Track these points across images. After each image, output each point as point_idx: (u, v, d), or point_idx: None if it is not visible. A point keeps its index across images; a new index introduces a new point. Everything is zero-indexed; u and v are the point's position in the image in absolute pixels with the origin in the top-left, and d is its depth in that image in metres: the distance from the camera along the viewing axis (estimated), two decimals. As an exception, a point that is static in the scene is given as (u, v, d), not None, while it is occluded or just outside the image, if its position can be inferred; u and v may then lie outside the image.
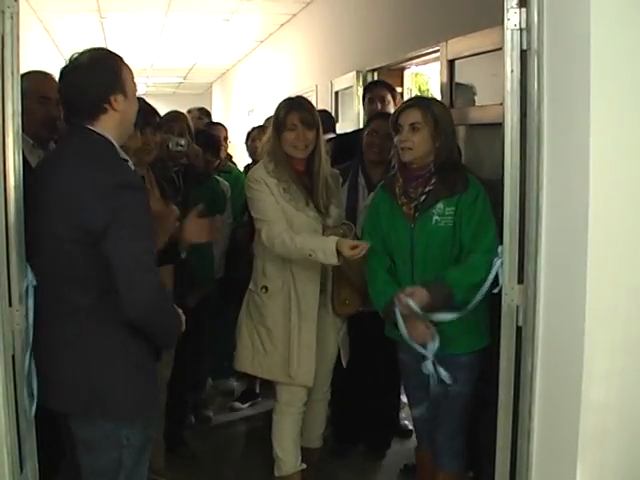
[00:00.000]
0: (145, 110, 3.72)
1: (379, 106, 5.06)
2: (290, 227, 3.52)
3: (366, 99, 5.21)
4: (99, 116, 2.49)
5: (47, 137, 3.41)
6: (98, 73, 2.48)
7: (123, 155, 2.56)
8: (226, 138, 6.04)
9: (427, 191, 3.24)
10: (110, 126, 2.52)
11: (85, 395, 2.46)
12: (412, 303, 3.04)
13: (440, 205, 3.20)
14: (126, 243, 2.35)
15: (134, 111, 2.64)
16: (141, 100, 3.78)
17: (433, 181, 3.24)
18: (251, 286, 3.76)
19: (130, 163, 2.60)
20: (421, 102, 3.35)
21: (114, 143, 2.52)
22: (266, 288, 3.66)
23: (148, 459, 2.71)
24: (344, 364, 3.84)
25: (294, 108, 3.60)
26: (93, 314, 2.45)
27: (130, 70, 2.61)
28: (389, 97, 5.17)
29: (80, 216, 2.36)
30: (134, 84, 2.62)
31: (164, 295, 2.52)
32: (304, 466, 3.79)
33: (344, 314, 3.74)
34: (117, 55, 2.61)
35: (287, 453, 3.74)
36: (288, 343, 3.62)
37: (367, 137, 4.33)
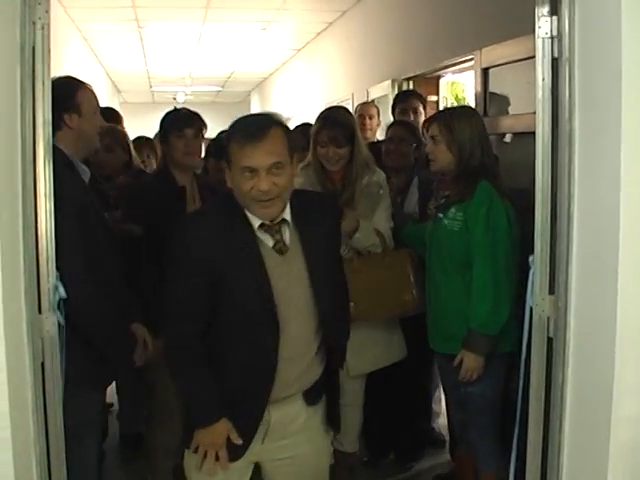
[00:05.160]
0: (181, 115, 3.87)
1: (412, 117, 5.05)
2: None
3: (397, 109, 5.18)
4: (57, 133, 2.75)
5: None
6: (55, 96, 2.62)
7: (80, 167, 3.02)
8: None
9: (446, 195, 3.41)
10: (67, 141, 2.95)
11: None
12: None
13: (452, 209, 3.34)
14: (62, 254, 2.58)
15: (91, 127, 3.08)
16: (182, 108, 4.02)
17: (452, 186, 3.38)
18: None
19: (84, 175, 3.07)
20: (441, 115, 3.54)
21: (66, 153, 2.95)
22: None
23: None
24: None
25: (326, 125, 3.68)
26: None
27: (89, 92, 3.09)
28: (421, 108, 5.17)
29: None
30: (92, 105, 3.09)
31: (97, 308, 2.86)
32: (332, 461, 3.79)
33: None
34: (74, 80, 3.08)
35: None
36: None
37: (385, 145, 4.46)
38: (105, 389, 3.38)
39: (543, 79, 2.63)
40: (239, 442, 2.56)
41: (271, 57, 13.32)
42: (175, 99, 17.50)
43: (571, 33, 2.50)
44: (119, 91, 18.36)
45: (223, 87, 18.19)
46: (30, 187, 2.42)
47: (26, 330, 2.43)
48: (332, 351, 2.75)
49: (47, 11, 2.43)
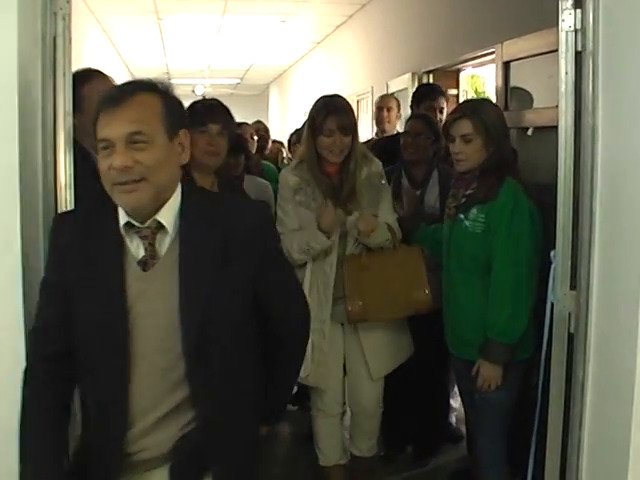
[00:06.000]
0: (206, 106, 3.40)
1: (439, 116, 5.01)
2: (300, 226, 3.46)
3: (424, 106, 5.11)
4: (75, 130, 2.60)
5: None
6: None
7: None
8: (253, 136, 5.94)
9: (467, 194, 3.25)
10: (79, 135, 2.76)
11: None
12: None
13: (474, 210, 3.19)
14: None
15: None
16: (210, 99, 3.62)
17: (474, 185, 3.23)
18: None
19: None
20: (471, 111, 3.24)
21: (84, 147, 2.84)
22: None
23: None
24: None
25: (332, 112, 3.42)
26: None
27: (96, 87, 2.89)
28: (445, 106, 5.15)
29: None
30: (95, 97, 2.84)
31: None
32: (345, 460, 3.81)
33: (353, 319, 3.50)
34: (83, 73, 2.95)
35: (326, 448, 3.77)
36: None
37: (402, 138, 4.42)
38: None
39: (566, 72, 2.62)
40: None
41: (290, 50, 13.32)
42: (194, 91, 17.49)
43: (595, 26, 2.48)
44: (138, 83, 18.37)
45: (242, 79, 18.20)
46: (50, 177, 2.44)
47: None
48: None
49: (68, 2, 2.45)
